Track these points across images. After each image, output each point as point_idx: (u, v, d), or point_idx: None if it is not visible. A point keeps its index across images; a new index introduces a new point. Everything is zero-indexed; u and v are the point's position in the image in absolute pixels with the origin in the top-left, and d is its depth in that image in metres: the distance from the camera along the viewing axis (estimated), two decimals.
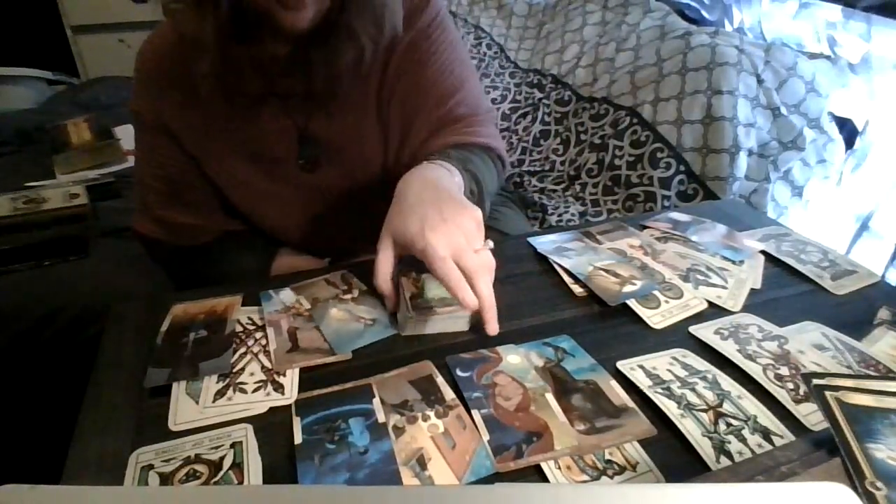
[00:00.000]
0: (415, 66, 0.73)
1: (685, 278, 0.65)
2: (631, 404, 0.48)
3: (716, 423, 0.46)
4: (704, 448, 0.44)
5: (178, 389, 0.50)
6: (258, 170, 0.74)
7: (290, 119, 0.72)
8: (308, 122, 0.72)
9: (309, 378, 0.51)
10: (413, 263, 0.57)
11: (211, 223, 0.78)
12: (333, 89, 0.69)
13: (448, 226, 0.52)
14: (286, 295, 0.62)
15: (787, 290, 0.66)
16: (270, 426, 0.46)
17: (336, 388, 0.49)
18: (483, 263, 0.53)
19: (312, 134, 0.73)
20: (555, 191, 1.41)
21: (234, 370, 0.52)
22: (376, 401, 0.48)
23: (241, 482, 0.41)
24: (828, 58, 1.26)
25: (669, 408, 0.47)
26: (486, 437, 0.45)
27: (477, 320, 0.56)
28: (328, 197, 0.77)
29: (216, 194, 0.76)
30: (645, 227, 0.78)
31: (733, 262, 0.69)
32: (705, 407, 0.48)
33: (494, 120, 0.84)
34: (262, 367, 0.52)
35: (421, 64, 0.73)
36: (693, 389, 0.49)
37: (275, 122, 0.72)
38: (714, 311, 0.61)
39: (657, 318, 0.59)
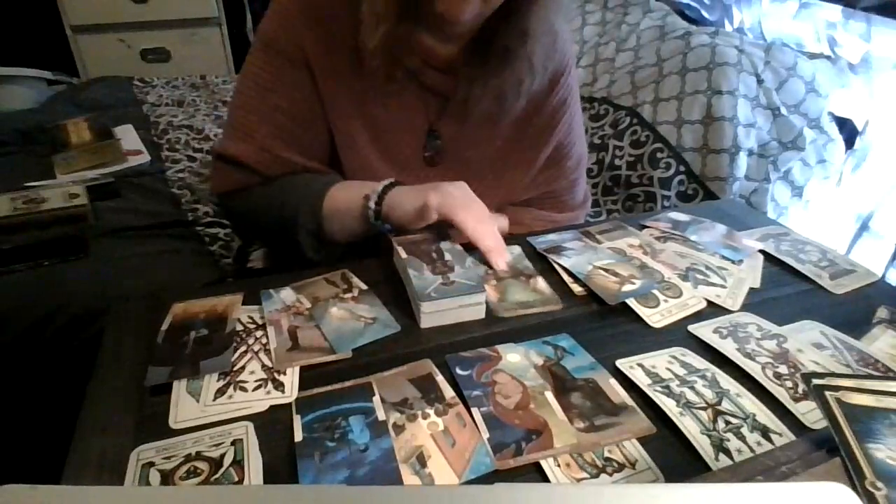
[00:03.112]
0: (552, 122, 0.81)
1: (684, 277, 0.65)
2: (630, 402, 0.48)
3: (715, 422, 0.46)
4: (703, 446, 0.44)
5: (179, 388, 0.50)
6: (376, 148, 0.76)
7: (423, 112, 0.75)
8: (438, 121, 0.76)
9: (309, 376, 0.51)
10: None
11: (317, 170, 0.76)
12: (481, 103, 0.72)
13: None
14: (286, 294, 0.62)
15: (786, 290, 0.66)
16: (271, 424, 0.46)
17: (336, 386, 0.49)
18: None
19: (439, 133, 0.77)
20: None
21: (235, 368, 0.52)
22: (376, 399, 0.48)
23: (241, 479, 0.41)
24: (828, 58, 1.26)
25: (668, 406, 0.47)
26: (485, 434, 0.45)
27: (490, 309, 0.60)
28: None
29: (330, 150, 0.76)
30: (645, 227, 0.78)
31: (732, 262, 0.69)
32: (704, 405, 0.48)
33: (587, 210, 0.96)
34: (263, 365, 0.52)
35: (556, 123, 0.81)
36: (692, 388, 0.50)
37: (408, 110, 0.75)
38: (713, 310, 0.61)
39: (656, 316, 0.59)
